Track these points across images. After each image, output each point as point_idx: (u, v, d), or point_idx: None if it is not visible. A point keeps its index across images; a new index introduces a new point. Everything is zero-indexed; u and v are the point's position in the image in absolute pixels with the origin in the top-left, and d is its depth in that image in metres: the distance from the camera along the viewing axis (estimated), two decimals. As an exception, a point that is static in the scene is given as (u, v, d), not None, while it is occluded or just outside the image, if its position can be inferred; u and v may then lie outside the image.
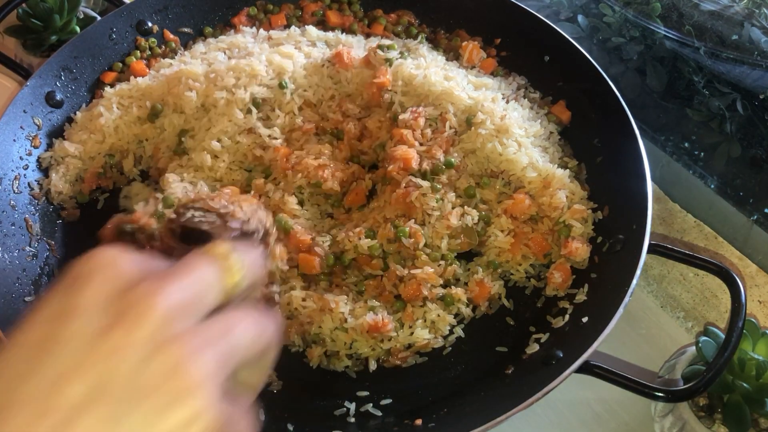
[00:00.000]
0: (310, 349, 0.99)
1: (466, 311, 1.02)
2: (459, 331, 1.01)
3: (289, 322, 0.99)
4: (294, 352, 1.00)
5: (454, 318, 1.02)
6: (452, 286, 1.02)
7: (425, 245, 1.03)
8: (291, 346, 1.00)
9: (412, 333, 0.99)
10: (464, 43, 1.27)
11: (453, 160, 1.08)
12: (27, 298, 1.00)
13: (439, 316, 1.00)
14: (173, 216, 0.54)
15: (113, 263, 0.45)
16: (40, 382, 0.40)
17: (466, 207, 1.06)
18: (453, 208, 1.05)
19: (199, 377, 0.42)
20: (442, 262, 1.03)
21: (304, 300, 0.99)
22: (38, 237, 1.07)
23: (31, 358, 0.41)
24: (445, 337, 1.01)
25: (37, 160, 1.13)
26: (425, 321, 1.00)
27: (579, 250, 1.03)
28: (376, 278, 1.04)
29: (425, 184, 1.05)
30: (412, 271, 1.00)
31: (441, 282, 1.01)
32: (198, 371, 0.42)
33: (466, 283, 1.04)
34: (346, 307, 0.98)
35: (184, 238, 0.54)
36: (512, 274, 1.07)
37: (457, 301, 1.01)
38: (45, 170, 1.14)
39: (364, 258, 1.03)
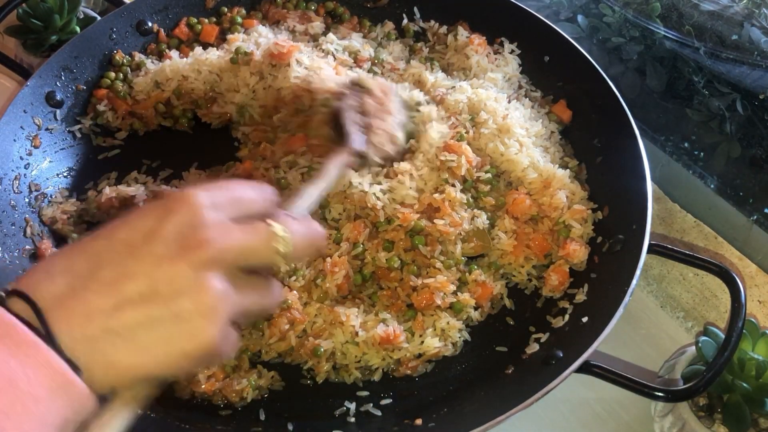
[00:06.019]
0: (318, 364, 0.96)
1: (475, 315, 1.02)
2: (465, 335, 1.01)
3: (299, 341, 0.97)
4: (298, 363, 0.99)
5: (462, 323, 1.01)
6: (459, 292, 1.01)
7: (440, 252, 1.02)
8: (303, 364, 0.98)
9: (422, 342, 0.97)
10: (464, 43, 1.27)
11: (490, 176, 1.08)
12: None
13: (448, 323, 0.98)
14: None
15: (193, 201, 0.56)
16: (113, 274, 0.53)
17: (475, 209, 1.06)
18: (465, 211, 1.04)
19: (221, 315, 0.54)
20: (454, 268, 1.02)
21: (316, 316, 0.97)
22: (39, 237, 1.07)
23: (118, 255, 0.54)
24: (454, 344, 1.00)
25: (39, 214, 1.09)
26: (435, 329, 0.98)
27: (577, 251, 1.03)
28: (389, 288, 1.02)
29: (461, 195, 1.04)
30: (425, 281, 0.99)
31: (453, 289, 1.00)
32: (223, 312, 0.54)
33: (465, 283, 1.02)
34: (357, 320, 0.96)
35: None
36: (514, 275, 1.06)
37: (465, 307, 1.00)
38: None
39: (383, 271, 1.02)
